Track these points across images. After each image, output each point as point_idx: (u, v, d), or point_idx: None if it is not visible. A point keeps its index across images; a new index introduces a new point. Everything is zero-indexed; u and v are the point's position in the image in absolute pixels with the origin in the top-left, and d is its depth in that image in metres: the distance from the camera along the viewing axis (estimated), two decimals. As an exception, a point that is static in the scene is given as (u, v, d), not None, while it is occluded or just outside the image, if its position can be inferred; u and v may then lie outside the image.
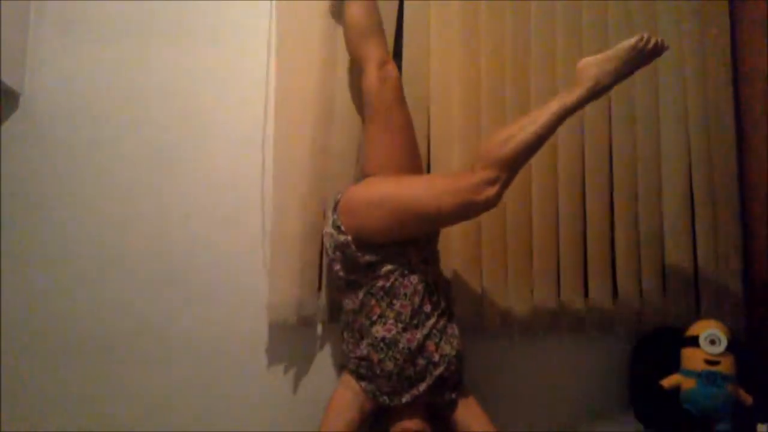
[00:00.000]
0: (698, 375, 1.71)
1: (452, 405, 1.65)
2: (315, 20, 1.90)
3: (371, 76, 1.69)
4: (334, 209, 1.62)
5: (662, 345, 1.83)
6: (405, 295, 1.57)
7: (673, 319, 1.91)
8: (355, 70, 1.82)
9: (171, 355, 1.83)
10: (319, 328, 1.87)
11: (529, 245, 1.90)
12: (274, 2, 1.91)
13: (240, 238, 1.87)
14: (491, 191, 1.47)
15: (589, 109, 1.94)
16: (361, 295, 1.59)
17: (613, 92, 1.95)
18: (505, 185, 1.49)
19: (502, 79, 1.94)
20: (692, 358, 1.74)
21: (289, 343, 1.86)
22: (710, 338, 1.72)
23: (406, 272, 1.59)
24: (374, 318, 1.58)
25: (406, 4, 1.94)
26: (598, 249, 1.92)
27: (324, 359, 1.86)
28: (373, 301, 1.58)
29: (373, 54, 1.71)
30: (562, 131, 1.90)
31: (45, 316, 1.80)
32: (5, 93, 1.81)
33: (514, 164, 1.50)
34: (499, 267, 1.88)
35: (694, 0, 2.02)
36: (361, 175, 1.71)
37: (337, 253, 1.60)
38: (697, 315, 1.92)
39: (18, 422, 1.76)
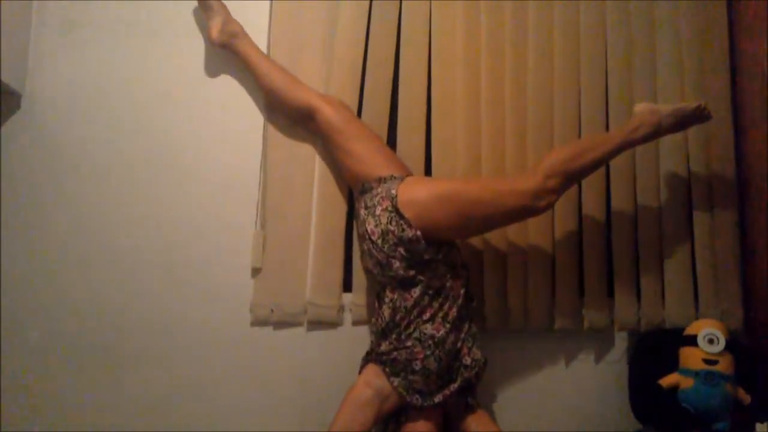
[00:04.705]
0: (697, 374, 1.71)
1: (469, 410, 1.68)
2: (312, 20, 1.91)
3: (324, 108, 1.78)
4: (394, 207, 1.59)
5: (661, 344, 1.83)
6: (453, 297, 1.63)
7: (672, 318, 1.91)
8: (325, 149, 1.88)
9: (171, 355, 1.83)
10: (326, 329, 1.88)
11: (526, 245, 1.89)
12: (273, 2, 1.92)
13: (240, 238, 1.87)
14: (551, 198, 1.59)
15: (588, 108, 1.96)
16: (416, 293, 1.61)
17: (612, 92, 1.98)
18: (560, 196, 1.62)
19: (502, 80, 1.94)
20: (691, 358, 1.74)
21: (293, 343, 1.86)
22: (709, 337, 1.72)
23: (454, 275, 1.65)
24: (426, 317, 1.61)
25: (404, 4, 1.95)
26: (596, 249, 1.92)
27: (329, 360, 1.86)
28: (426, 300, 1.61)
29: (310, 94, 1.82)
30: (563, 132, 1.93)
31: (44, 316, 1.80)
32: (6, 93, 1.81)
33: (575, 180, 1.66)
34: (497, 268, 1.88)
35: (693, 0, 2.03)
36: (373, 180, 1.69)
37: (400, 249, 1.60)
38: (696, 314, 1.92)
39: (18, 422, 1.76)
